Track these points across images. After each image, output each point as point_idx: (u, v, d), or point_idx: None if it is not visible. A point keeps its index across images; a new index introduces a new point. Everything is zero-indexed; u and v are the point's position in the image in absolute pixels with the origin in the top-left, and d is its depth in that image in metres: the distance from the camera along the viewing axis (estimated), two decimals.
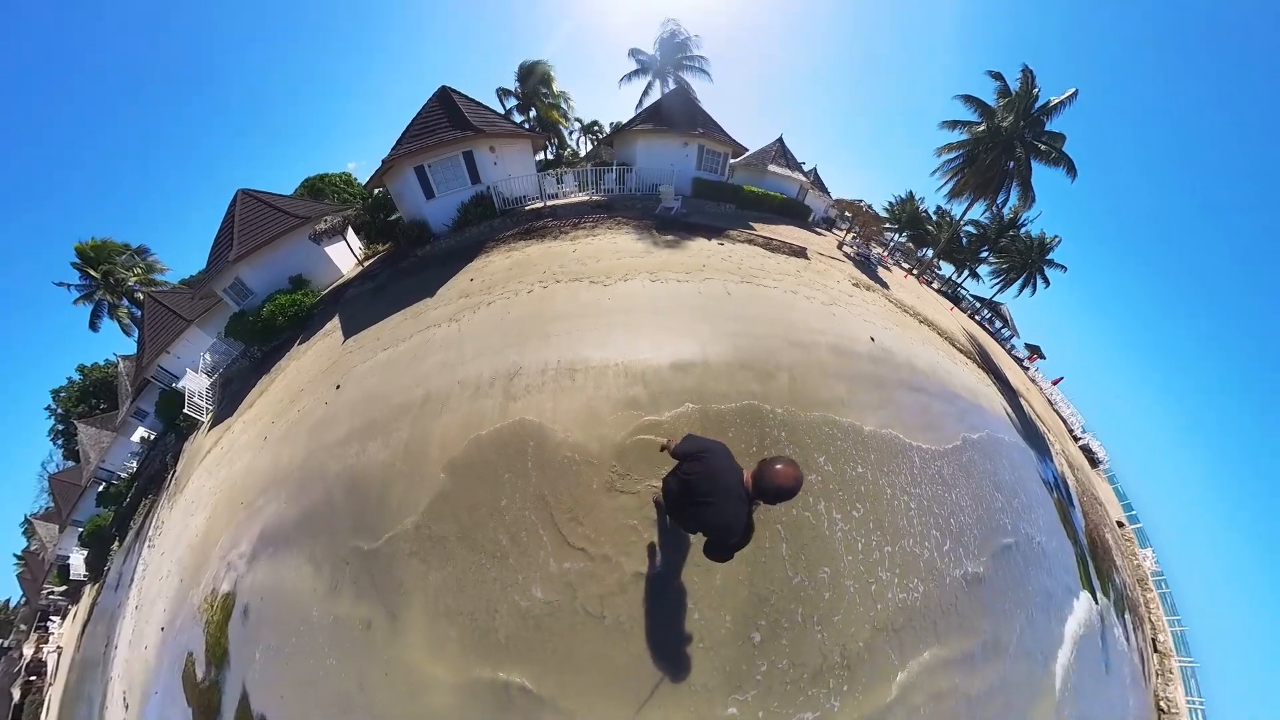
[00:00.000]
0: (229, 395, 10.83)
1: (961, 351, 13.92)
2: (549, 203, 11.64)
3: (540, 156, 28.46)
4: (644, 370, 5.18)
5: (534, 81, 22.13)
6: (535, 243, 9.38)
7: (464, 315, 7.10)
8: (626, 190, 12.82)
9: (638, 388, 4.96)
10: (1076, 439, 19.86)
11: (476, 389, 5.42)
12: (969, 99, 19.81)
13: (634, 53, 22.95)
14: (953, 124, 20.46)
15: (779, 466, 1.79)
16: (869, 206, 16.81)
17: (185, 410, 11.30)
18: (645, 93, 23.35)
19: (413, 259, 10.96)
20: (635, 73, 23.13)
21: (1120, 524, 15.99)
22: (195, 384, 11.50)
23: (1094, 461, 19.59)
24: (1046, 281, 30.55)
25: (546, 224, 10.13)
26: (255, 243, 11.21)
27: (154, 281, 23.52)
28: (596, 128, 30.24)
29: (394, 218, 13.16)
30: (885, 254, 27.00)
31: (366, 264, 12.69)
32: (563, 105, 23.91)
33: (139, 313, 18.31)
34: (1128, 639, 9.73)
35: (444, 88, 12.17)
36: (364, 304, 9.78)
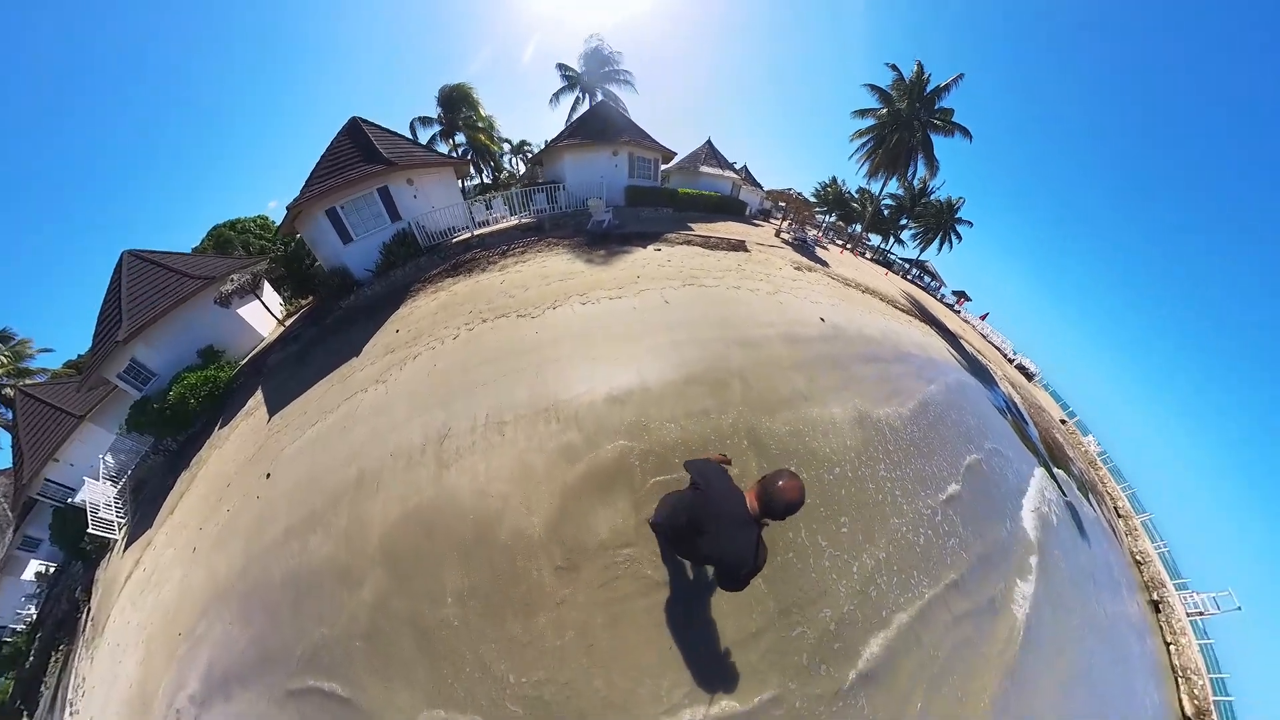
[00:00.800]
0: (143, 503, 8.91)
1: (904, 311, 15.02)
2: (478, 232, 10.84)
3: (476, 181, 27.44)
4: (576, 411, 4.60)
5: (457, 105, 20.98)
6: (463, 278, 8.57)
7: (391, 374, 6.29)
8: (559, 209, 12.25)
9: (571, 432, 4.37)
10: (1011, 360, 22.33)
11: (409, 459, 4.72)
12: (873, 88, 21.90)
13: (560, 68, 22.30)
14: (862, 112, 22.45)
15: (782, 483, 1.73)
16: (798, 194, 17.37)
17: (90, 530, 8.94)
18: (574, 108, 22.75)
19: (337, 312, 9.75)
20: (563, 89, 22.54)
21: (1063, 420, 18.49)
22: (98, 495, 9.14)
23: (1029, 376, 22.08)
24: (959, 236, 33.53)
25: (475, 256, 9.31)
26: (149, 316, 9.54)
27: (25, 372, 18.98)
28: (527, 147, 29.23)
29: (315, 264, 11.87)
30: (820, 235, 28.48)
31: (288, 323, 11.23)
32: (491, 128, 22.80)
33: (9, 415, 14.47)
34: (1095, 509, 11.38)
35: (354, 119, 11.18)
36: (288, 372, 8.56)
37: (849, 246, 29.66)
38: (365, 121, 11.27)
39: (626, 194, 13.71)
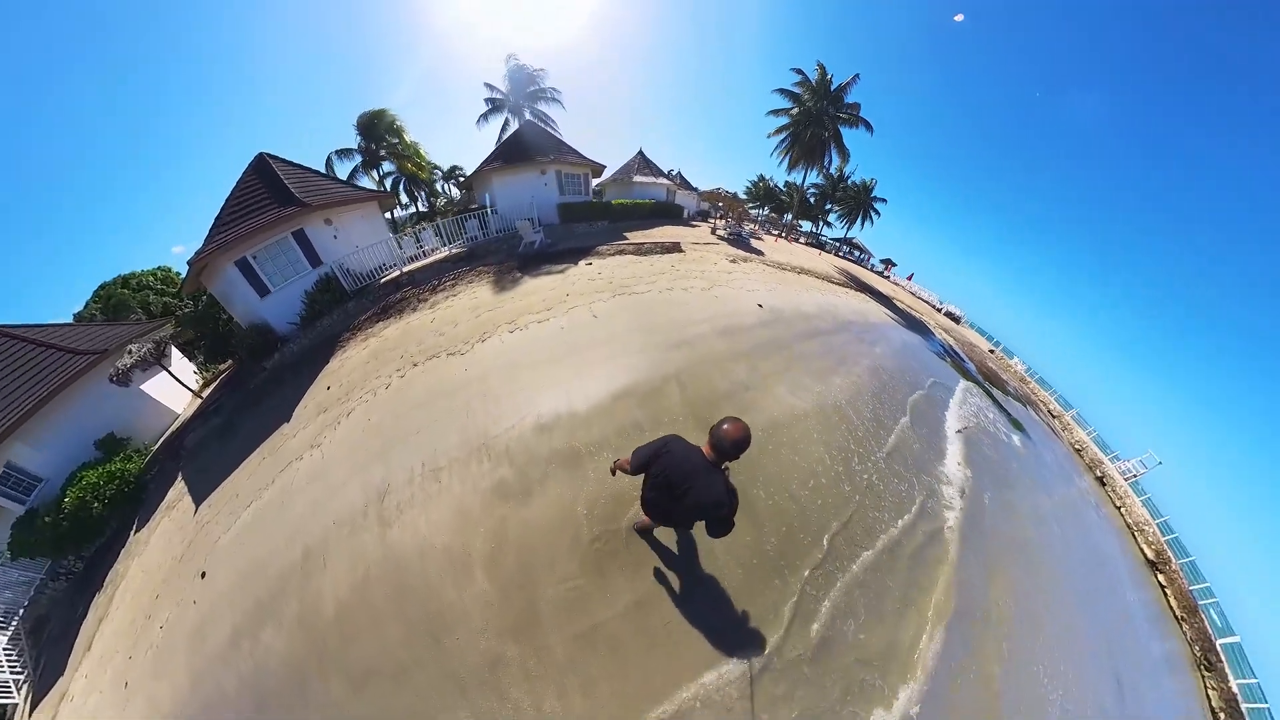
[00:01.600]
0: (48, 645, 6.90)
1: (839, 285, 16.21)
2: (408, 268, 10.11)
3: (412, 210, 26.15)
4: (507, 445, 4.36)
5: (379, 133, 19.19)
6: (394, 321, 8.00)
7: (325, 436, 5.74)
8: (491, 234, 11.72)
9: (504, 468, 4.13)
10: (940, 309, 25.59)
11: (352, 525, 4.27)
12: (783, 91, 23.66)
13: (487, 88, 21.40)
14: (776, 112, 24.21)
15: (726, 427, 1.92)
16: (728, 192, 18.02)
17: None
18: (504, 129, 21.94)
19: (261, 375, 8.77)
20: (491, 110, 21.65)
21: (991, 350, 21.33)
22: None
23: (956, 320, 25.37)
24: (878, 213, 36.24)
25: (405, 295, 8.72)
26: (20, 411, 7.57)
27: None
28: (458, 172, 27.86)
29: (231, 322, 10.45)
30: (756, 227, 29.78)
31: (205, 394, 9.93)
32: (418, 155, 20.92)
33: None
34: (1035, 416, 13.94)
35: (260, 156, 10.08)
36: (211, 451, 7.49)
37: (783, 235, 31.30)
38: (274, 158, 10.21)
39: (559, 212, 13.44)
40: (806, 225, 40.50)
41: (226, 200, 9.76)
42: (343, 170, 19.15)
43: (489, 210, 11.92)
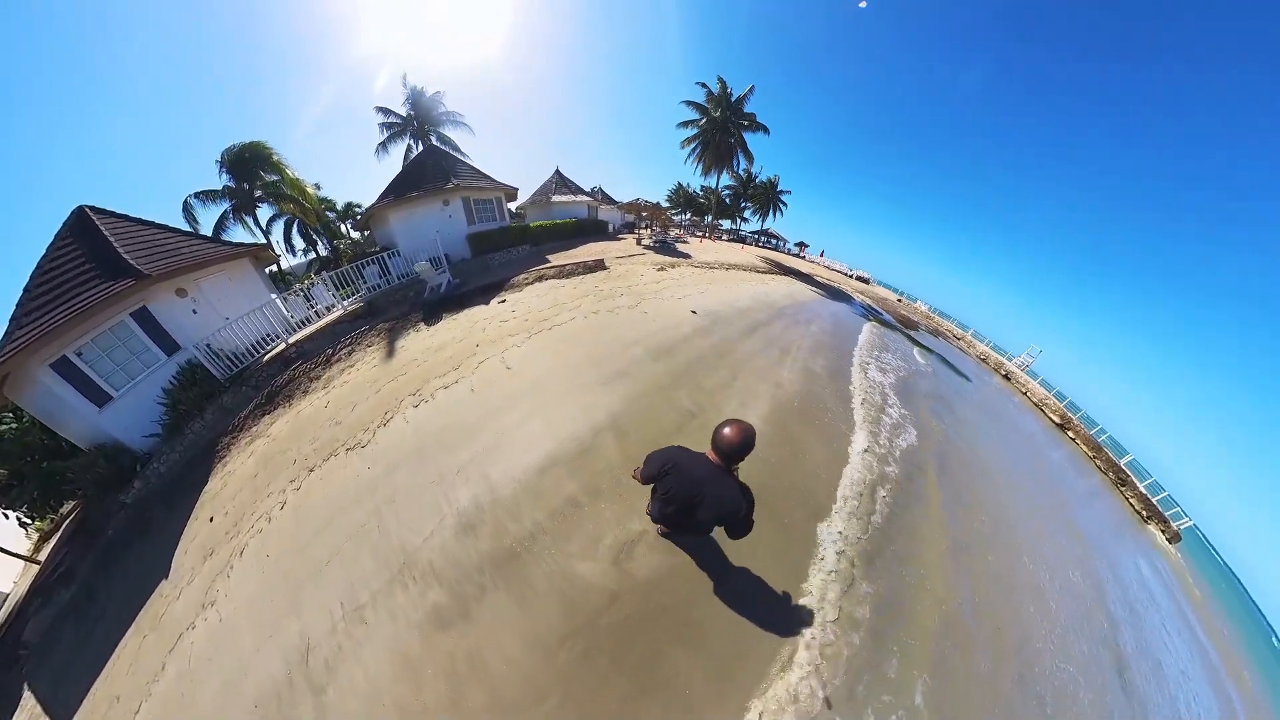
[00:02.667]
0: None
1: (764, 272, 17.40)
2: (296, 337, 8.27)
3: (311, 256, 22.92)
4: (430, 560, 3.45)
5: (252, 170, 15.61)
6: (282, 412, 6.40)
7: (218, 589, 4.27)
8: (394, 281, 10.10)
9: (433, 591, 3.27)
10: (851, 276, 30.54)
11: (279, 700, 3.15)
12: (691, 103, 25.50)
13: (383, 113, 18.98)
14: (686, 123, 25.88)
15: (726, 431, 1.84)
16: (646, 201, 17.97)
17: None
18: (407, 157, 20.44)
19: (120, 514, 6.43)
20: (389, 138, 19.25)
21: (899, 300, 26.30)
22: None
23: (866, 281, 30.62)
24: (785, 204, 39.07)
25: (295, 374, 7.03)
26: None
27: None
28: (355, 209, 24.10)
29: (61, 445, 7.69)
30: (681, 232, 30.49)
31: (43, 557, 7.29)
32: (303, 192, 16.50)
33: None
34: (945, 343, 18.17)
35: (80, 210, 7.69)
36: (68, 642, 5.21)
37: (707, 235, 32.40)
38: (99, 211, 7.75)
39: (471, 244, 12.18)
40: (726, 224, 42.54)
41: (33, 276, 7.21)
42: (209, 219, 15.35)
43: (391, 253, 10.48)
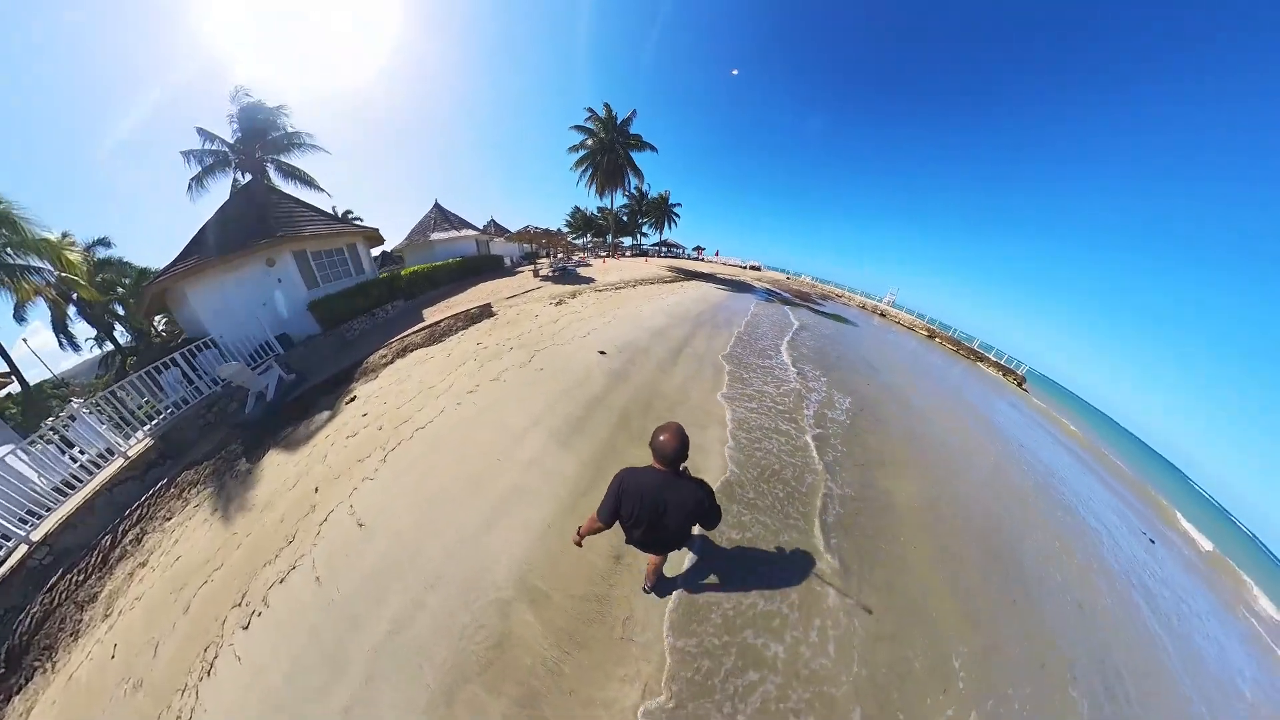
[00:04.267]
0: None
1: (672, 281, 17.49)
2: (47, 526, 4.66)
3: (97, 352, 16.32)
4: None
5: None
6: (39, 688, 3.20)
7: None
8: (200, 390, 6.49)
9: None
10: (745, 267, 35.20)
11: None
12: (579, 128, 25.52)
13: (203, 136, 13.36)
14: (575, 147, 25.78)
15: (661, 438, 1.84)
16: (538, 229, 16.48)
17: None
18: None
19: None
20: (209, 170, 13.39)
21: (788, 277, 32.53)
22: None
23: (759, 269, 35.79)
24: (678, 215, 40.75)
25: (53, 603, 3.95)
26: None
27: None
28: (152, 279, 16.46)
29: None
30: (585, 255, 29.59)
31: None
32: (70, 264, 10.82)
33: None
34: (834, 305, 21.82)
35: None
36: None
37: (610, 254, 32.09)
38: None
39: (317, 313, 8.97)
40: (628, 240, 42.99)
41: None
42: None
43: (199, 345, 6.78)
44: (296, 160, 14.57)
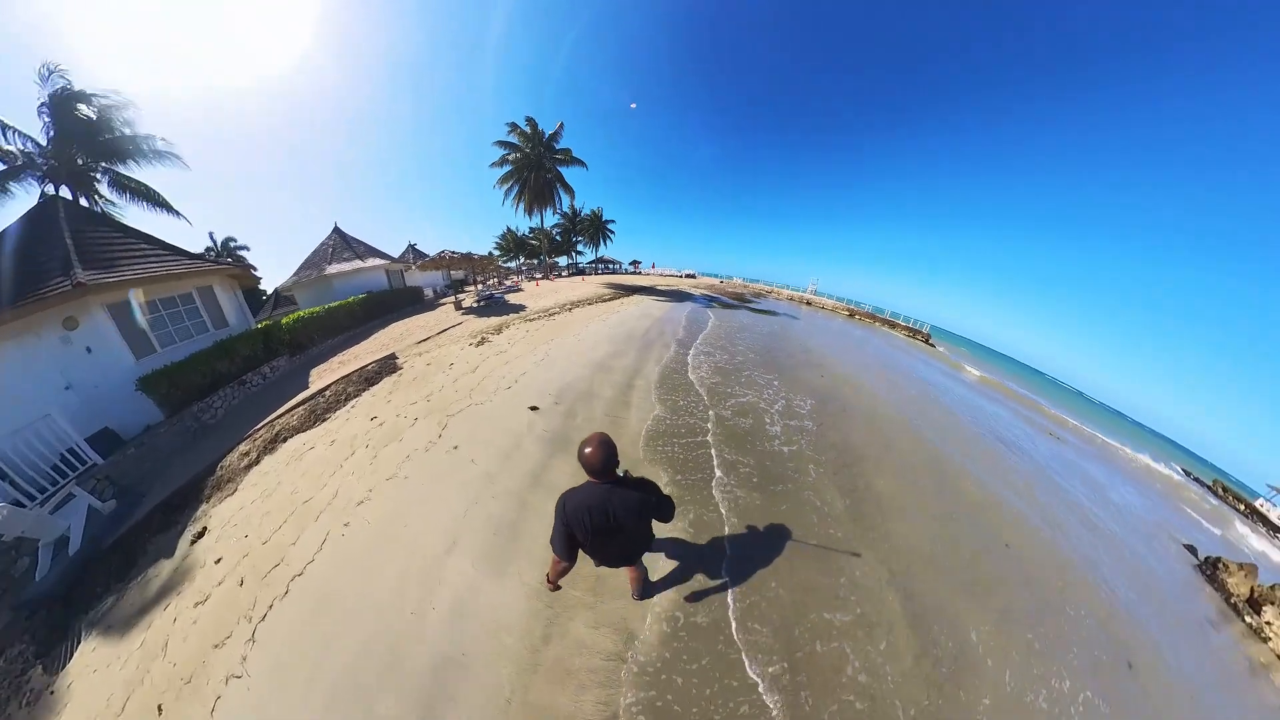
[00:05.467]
0: None
1: (613, 299, 16.83)
2: None
3: None
4: None
5: None
6: None
7: None
8: None
9: None
10: (680, 275, 37.56)
11: None
12: (503, 143, 23.64)
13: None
14: (498, 163, 23.74)
15: (587, 451, 1.83)
16: (454, 254, 14.75)
17: None
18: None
19: None
20: (5, 176, 9.50)
21: (721, 281, 35.31)
22: None
23: (694, 276, 38.06)
24: (612, 231, 40.33)
25: None
26: None
27: None
28: None
29: None
30: (517, 279, 27.90)
31: None
32: None
33: None
34: (769, 302, 23.84)
35: None
36: None
37: (545, 276, 30.79)
38: None
39: (155, 392, 6.49)
40: (564, 260, 41.83)
41: None
42: None
43: None
44: (144, 173, 11.03)
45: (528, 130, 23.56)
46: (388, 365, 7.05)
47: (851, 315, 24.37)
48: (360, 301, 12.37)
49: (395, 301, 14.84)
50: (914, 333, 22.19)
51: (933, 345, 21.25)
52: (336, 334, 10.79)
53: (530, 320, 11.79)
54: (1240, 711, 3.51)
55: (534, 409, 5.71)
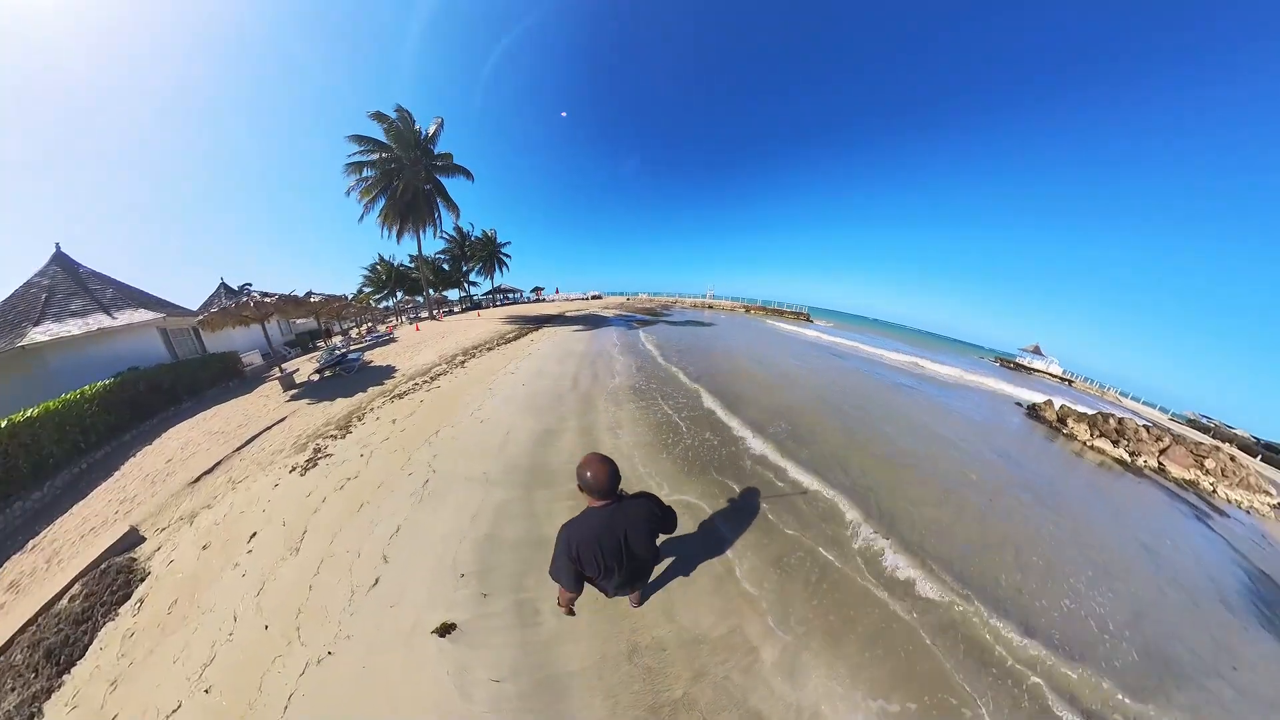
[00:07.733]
0: None
1: (519, 337, 14.57)
2: None
3: None
4: None
5: None
6: None
7: None
8: None
9: None
10: (587, 299, 37.36)
11: None
12: (360, 138, 17.77)
13: None
14: (356, 166, 17.96)
15: (588, 474, 1.77)
16: (260, 296, 10.37)
17: None
18: None
19: None
20: None
21: (627, 299, 37.16)
22: None
23: (600, 297, 38.86)
24: (509, 256, 36.65)
25: None
26: None
27: None
28: None
29: None
30: (389, 326, 22.53)
31: None
32: None
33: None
34: (676, 311, 27.21)
35: None
36: None
37: (431, 314, 26.06)
38: None
39: None
40: (455, 293, 36.65)
41: None
42: None
43: None
44: None
45: (399, 124, 18.33)
46: (111, 578, 3.78)
47: (748, 311, 31.34)
48: (107, 388, 7.84)
49: (183, 383, 10.05)
50: (797, 315, 30.44)
51: (810, 320, 29.33)
52: (37, 478, 6.44)
53: (398, 398, 8.28)
54: (1067, 470, 7.29)
55: (396, 530, 3.08)
